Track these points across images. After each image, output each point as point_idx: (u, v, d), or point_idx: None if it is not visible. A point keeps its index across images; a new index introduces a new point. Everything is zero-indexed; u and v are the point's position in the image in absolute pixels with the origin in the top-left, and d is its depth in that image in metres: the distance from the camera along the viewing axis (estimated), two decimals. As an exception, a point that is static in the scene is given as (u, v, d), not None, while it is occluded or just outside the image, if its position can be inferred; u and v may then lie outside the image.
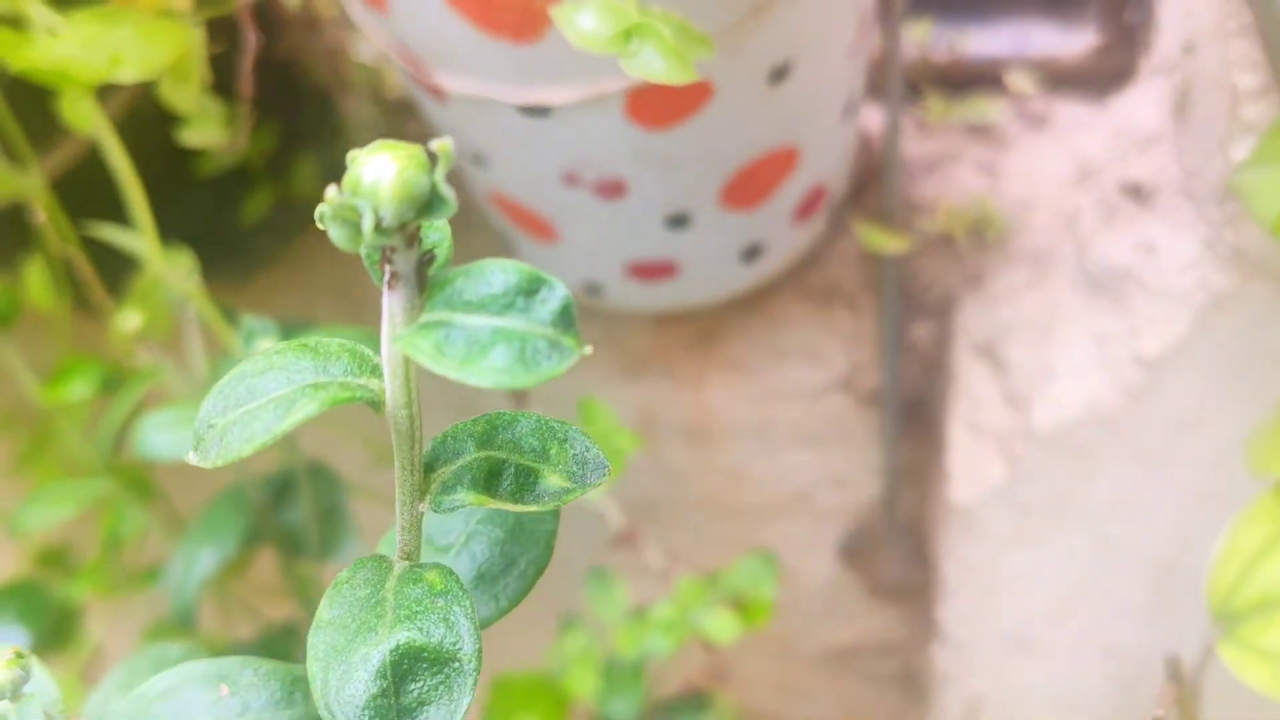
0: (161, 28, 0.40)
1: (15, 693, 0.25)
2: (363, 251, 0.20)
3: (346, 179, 0.19)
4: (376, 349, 0.22)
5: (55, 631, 0.56)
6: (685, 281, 0.58)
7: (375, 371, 0.22)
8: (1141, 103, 0.60)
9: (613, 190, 0.50)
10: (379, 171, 0.19)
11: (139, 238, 0.46)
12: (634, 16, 0.33)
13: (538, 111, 0.46)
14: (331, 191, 0.19)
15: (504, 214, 0.56)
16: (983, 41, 0.66)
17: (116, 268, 0.52)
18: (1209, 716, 0.43)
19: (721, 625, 0.57)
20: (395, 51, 0.47)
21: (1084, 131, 0.62)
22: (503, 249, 0.63)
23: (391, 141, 0.20)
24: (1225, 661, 0.42)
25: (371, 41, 0.49)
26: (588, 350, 0.20)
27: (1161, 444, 0.54)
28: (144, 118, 0.52)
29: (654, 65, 0.33)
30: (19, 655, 0.25)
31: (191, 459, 0.22)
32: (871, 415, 0.68)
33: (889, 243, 0.58)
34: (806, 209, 0.57)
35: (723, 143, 0.49)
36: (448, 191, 0.19)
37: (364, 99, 0.65)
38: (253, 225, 0.63)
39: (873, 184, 0.62)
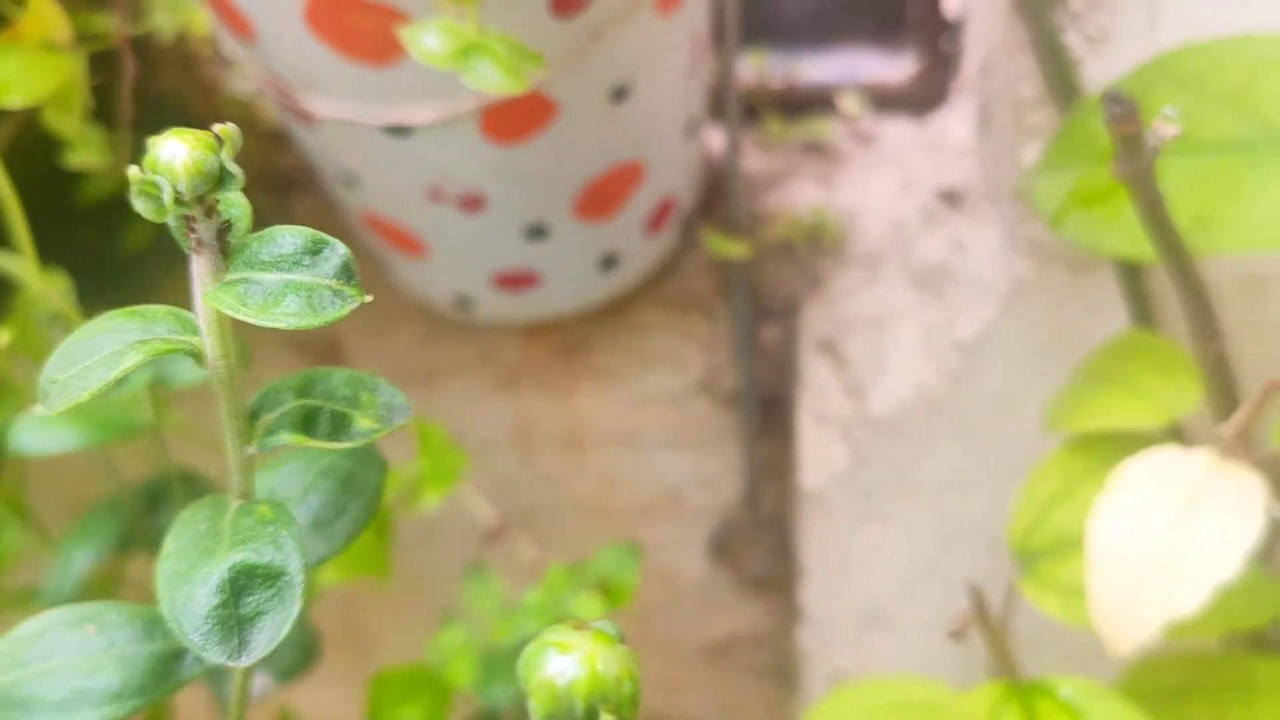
0: (46, 58, 0.43)
1: None
2: (170, 223, 0.24)
3: (146, 159, 0.23)
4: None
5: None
6: (548, 291, 0.63)
7: (195, 330, 0.26)
8: (953, 120, 0.66)
9: (474, 204, 0.55)
10: (173, 152, 0.23)
11: (18, 261, 0.49)
12: (472, 36, 0.37)
13: (400, 131, 0.50)
14: (134, 170, 0.23)
15: (376, 233, 0.60)
16: (815, 69, 0.72)
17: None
18: (1019, 649, 0.48)
19: (588, 606, 0.61)
20: (265, 80, 0.51)
21: (906, 147, 0.68)
22: (376, 269, 0.67)
23: (182, 129, 0.24)
24: (1025, 595, 0.47)
25: (244, 72, 0.52)
26: (368, 298, 0.24)
27: (982, 421, 0.60)
28: (28, 150, 0.55)
29: (490, 78, 0.38)
30: None
31: (39, 410, 0.25)
32: (732, 415, 0.73)
33: (733, 249, 0.63)
34: (657, 221, 0.62)
35: (572, 157, 0.54)
36: (234, 168, 0.23)
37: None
38: (133, 253, 0.66)
39: (719, 198, 0.68)
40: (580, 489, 0.78)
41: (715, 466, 0.76)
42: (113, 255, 0.65)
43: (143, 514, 0.53)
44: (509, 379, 0.73)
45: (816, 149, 0.70)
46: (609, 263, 0.62)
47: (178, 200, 0.23)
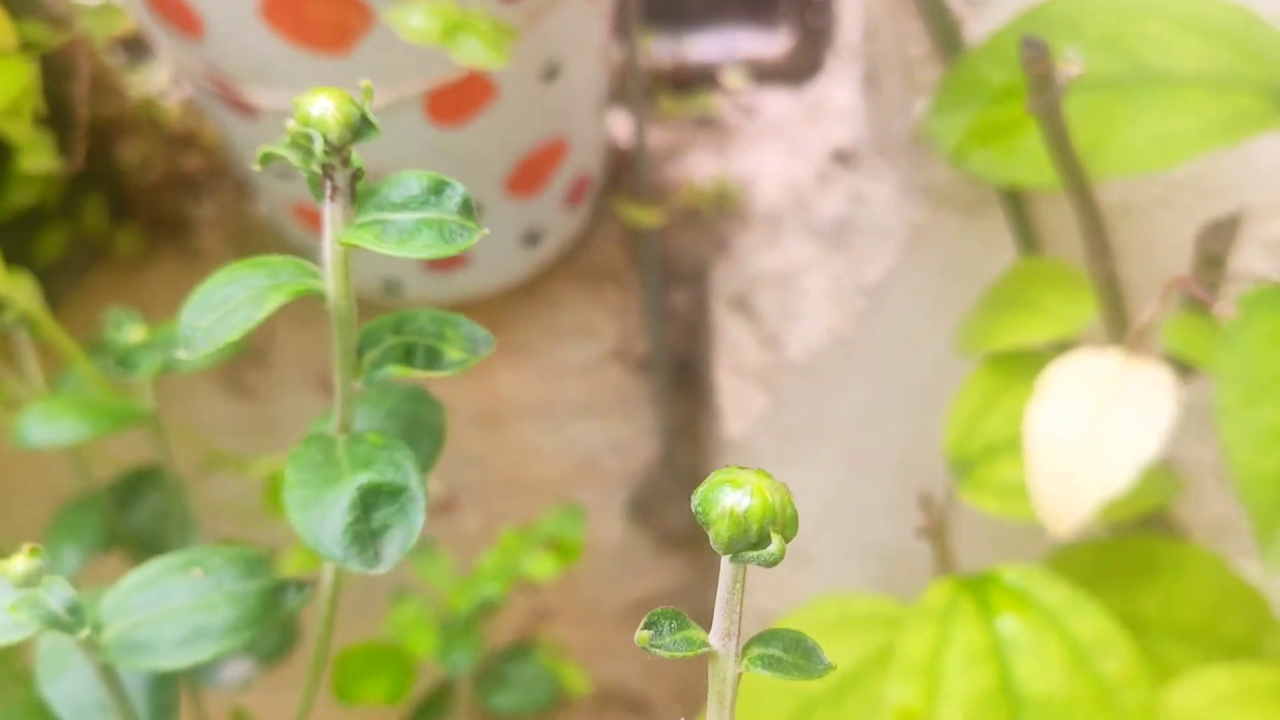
0: (5, 64, 0.44)
1: (35, 581, 0.29)
2: (308, 174, 0.27)
3: (298, 113, 0.26)
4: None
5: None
6: (476, 271, 0.65)
7: (315, 275, 0.28)
8: (833, 86, 0.72)
9: (413, 187, 0.57)
10: (324, 107, 0.26)
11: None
12: (457, 14, 0.40)
13: (347, 118, 0.52)
14: (291, 124, 0.25)
15: (307, 225, 0.62)
16: (698, 48, 0.77)
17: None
18: (957, 545, 0.53)
19: (542, 565, 0.64)
20: (204, 75, 0.53)
21: (788, 115, 0.73)
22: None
23: (323, 87, 0.26)
24: (965, 498, 0.53)
25: (174, 68, 0.54)
26: (485, 231, 0.27)
27: (890, 358, 0.66)
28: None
29: (476, 52, 0.40)
30: (35, 550, 0.29)
31: (181, 354, 0.27)
32: (645, 380, 0.77)
33: (646, 217, 0.67)
34: (575, 195, 0.65)
35: (507, 136, 0.57)
36: (373, 118, 0.26)
37: (144, 136, 0.69)
38: (47, 264, 0.65)
39: (624, 173, 0.72)
40: (500, 465, 0.81)
41: (630, 431, 0.80)
42: (28, 267, 0.65)
43: (116, 511, 0.54)
44: (428, 363, 0.75)
45: (707, 123, 0.74)
46: (533, 239, 0.65)
47: (326, 150, 0.25)
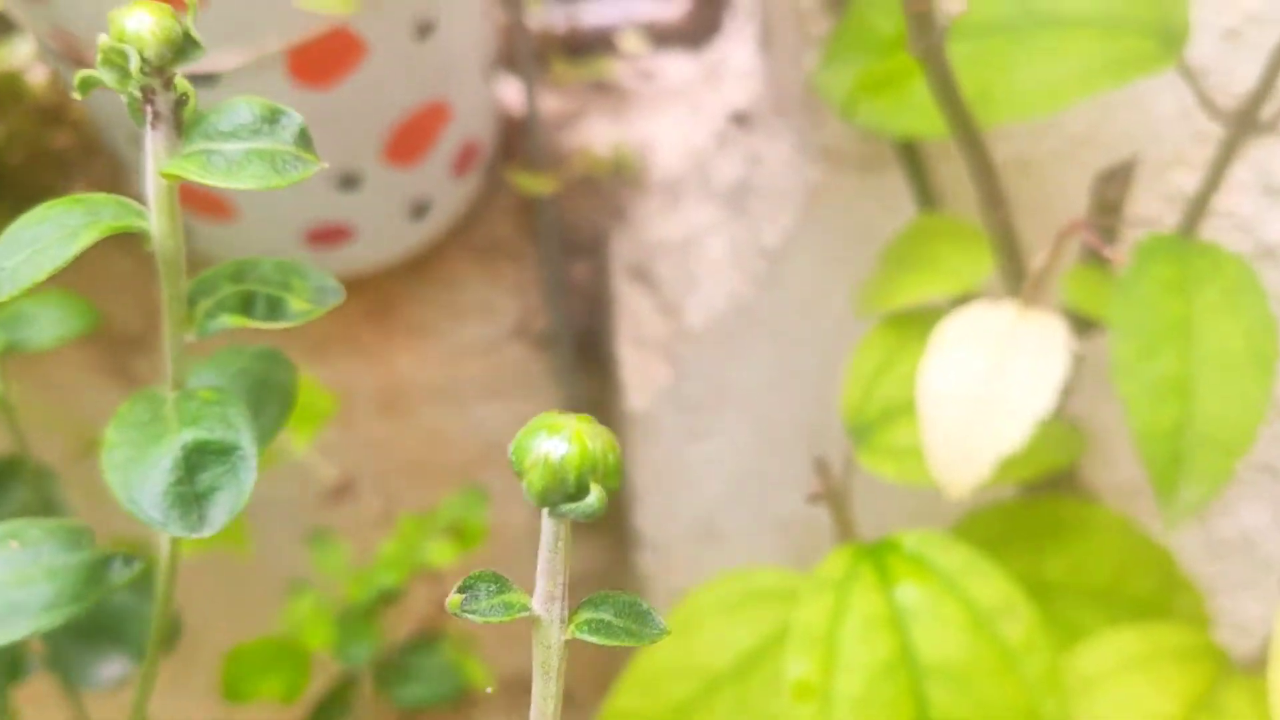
0: None
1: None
2: (126, 97, 0.24)
3: (112, 29, 0.23)
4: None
5: None
6: (361, 245, 0.63)
7: (140, 215, 0.26)
8: (731, 47, 0.70)
9: (283, 154, 0.54)
10: (140, 21, 0.23)
11: None
12: (297, -45, 0.38)
13: (206, 80, 0.49)
14: (102, 38, 0.23)
15: (180, 199, 0.58)
16: (594, 12, 0.74)
17: None
18: (858, 513, 0.52)
19: (443, 551, 0.61)
20: (55, 39, 0.49)
21: (687, 79, 0.71)
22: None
23: (143, 1, 0.24)
24: (862, 464, 0.51)
25: (29, 34, 0.50)
26: (324, 165, 0.25)
27: (792, 322, 0.64)
28: None
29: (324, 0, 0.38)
30: None
31: None
32: (547, 357, 0.75)
33: (540, 185, 0.64)
34: (462, 164, 0.63)
35: (380, 99, 0.54)
36: (197, 36, 0.24)
37: (7, 113, 0.65)
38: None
39: (516, 142, 0.69)
40: (404, 450, 0.78)
41: (534, 410, 0.77)
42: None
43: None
44: (321, 345, 0.73)
45: (603, 88, 0.72)
46: (419, 210, 0.62)
47: (144, 69, 0.23)
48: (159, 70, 0.24)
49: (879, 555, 0.48)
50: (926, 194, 0.57)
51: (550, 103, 0.71)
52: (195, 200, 0.58)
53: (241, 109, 0.25)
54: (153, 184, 0.25)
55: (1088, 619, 0.54)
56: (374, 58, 0.51)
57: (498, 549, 0.83)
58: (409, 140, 0.57)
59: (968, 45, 0.47)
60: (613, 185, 0.69)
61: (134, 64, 0.23)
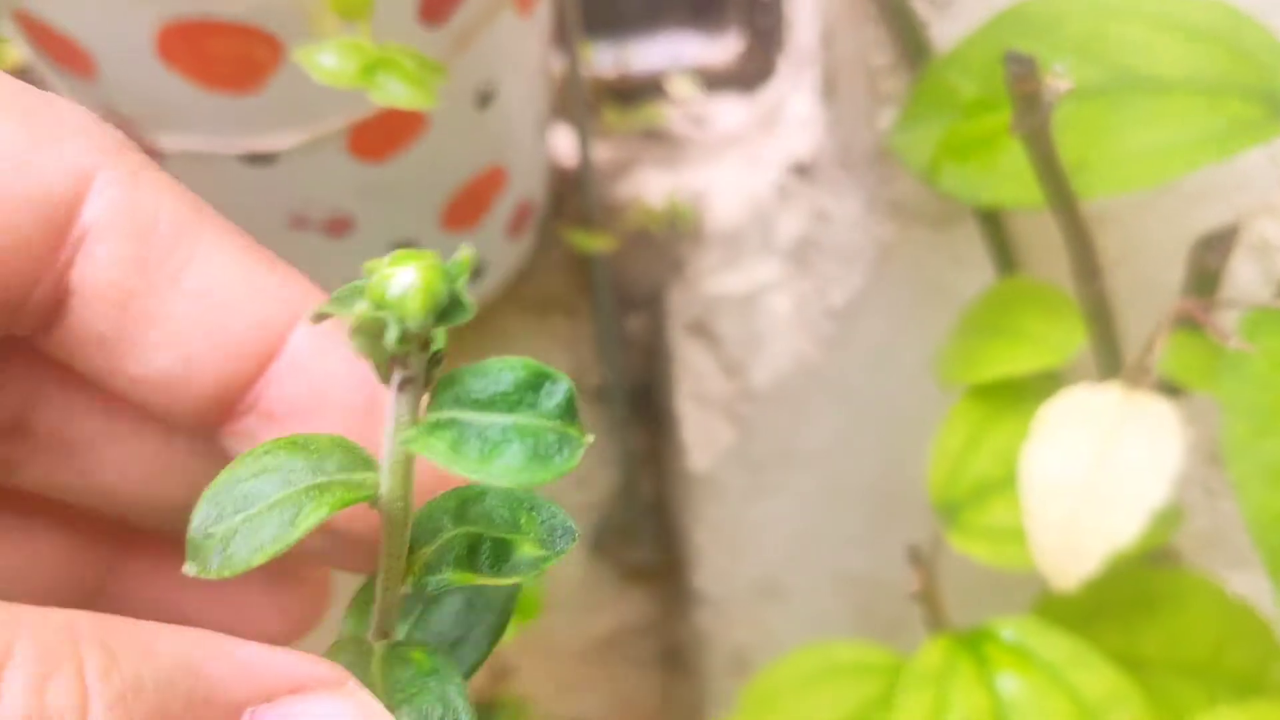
0: None
1: None
2: (372, 360, 0.21)
3: (371, 291, 0.19)
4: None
5: None
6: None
7: (368, 465, 0.22)
8: (787, 93, 0.68)
9: (340, 227, 0.52)
10: (406, 284, 0.19)
11: None
12: (374, 52, 0.36)
13: (262, 159, 0.47)
14: (360, 307, 0.19)
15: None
16: (642, 56, 0.72)
17: None
18: (946, 594, 0.50)
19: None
20: (101, 117, 0.47)
21: (742, 124, 0.69)
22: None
23: (411, 250, 0.20)
24: (953, 545, 0.49)
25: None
26: (590, 439, 0.21)
27: (860, 383, 0.62)
28: None
29: (399, 93, 0.36)
30: None
31: (189, 570, 0.20)
32: (601, 410, 0.73)
33: (597, 242, 0.62)
34: (517, 225, 0.61)
35: (439, 168, 0.52)
36: (467, 297, 0.20)
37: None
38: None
39: (569, 196, 0.67)
40: (453, 506, 0.76)
41: (587, 464, 0.76)
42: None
43: None
44: (369, 404, 0.71)
45: (655, 135, 0.70)
46: (475, 274, 0.60)
47: (401, 339, 0.19)
48: (416, 336, 0.20)
49: (976, 645, 0.46)
50: (1005, 254, 0.54)
51: (601, 152, 0.69)
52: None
53: (504, 374, 0.21)
54: (391, 449, 0.21)
55: (1187, 695, 0.51)
56: (436, 129, 0.49)
57: (554, 599, 0.81)
58: (466, 207, 0.55)
59: (1061, 109, 0.44)
60: (668, 237, 0.67)
61: (392, 336, 0.19)
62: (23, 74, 0.60)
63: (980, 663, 0.45)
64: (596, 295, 0.67)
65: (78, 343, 0.23)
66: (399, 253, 0.20)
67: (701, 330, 0.65)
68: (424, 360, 0.20)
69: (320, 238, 0.53)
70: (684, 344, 0.66)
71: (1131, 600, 0.53)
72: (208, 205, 0.24)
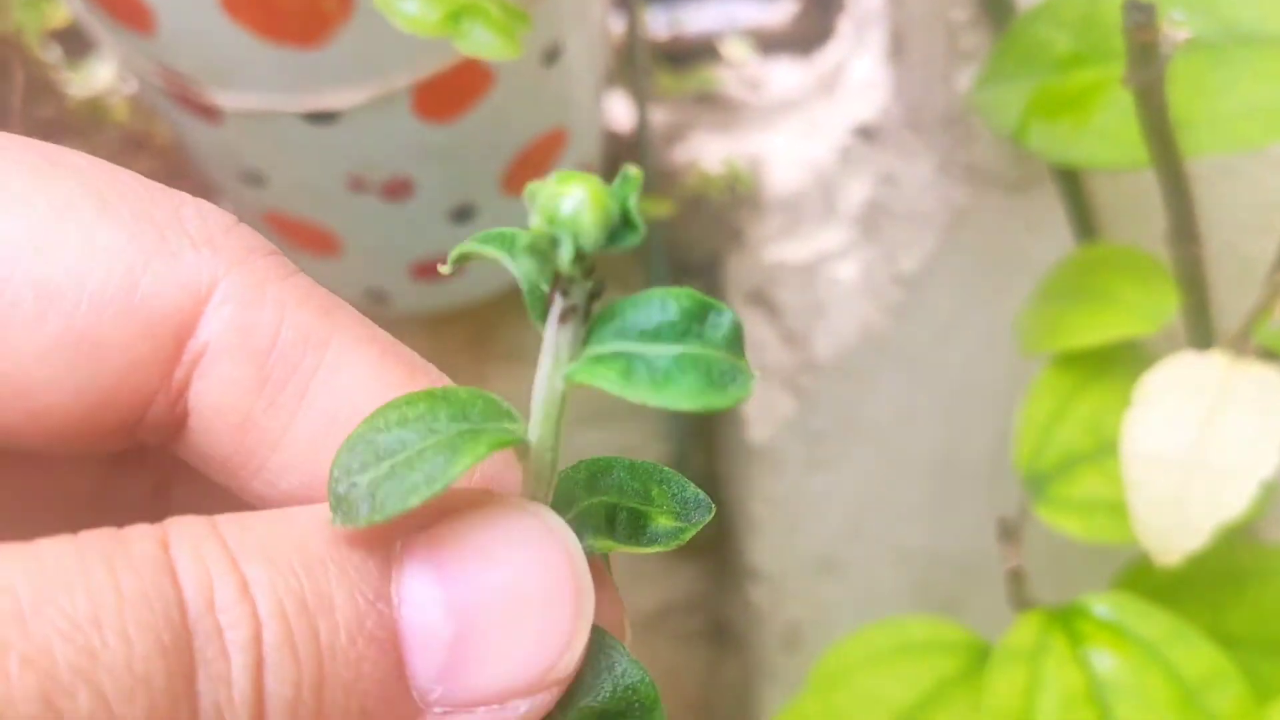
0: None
1: None
2: (529, 288, 0.20)
3: (543, 208, 0.18)
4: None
5: None
6: (466, 277, 0.59)
7: (510, 416, 0.21)
8: (848, 55, 0.66)
9: (400, 190, 0.50)
10: (578, 202, 0.18)
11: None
12: (460, -2, 0.34)
13: (324, 118, 0.45)
14: (534, 222, 0.18)
15: (280, 234, 0.55)
16: (696, 19, 0.70)
17: None
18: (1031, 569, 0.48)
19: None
20: (157, 74, 0.46)
21: (799, 88, 0.67)
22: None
23: (573, 171, 0.19)
24: (1042, 518, 0.47)
25: (124, 68, 0.47)
26: (758, 373, 0.20)
27: (927, 353, 0.60)
28: None
29: (486, 42, 0.34)
30: None
31: (335, 523, 0.19)
32: (652, 382, 0.71)
33: (657, 208, 0.60)
34: (575, 189, 0.59)
35: (504, 129, 0.50)
36: (638, 219, 0.19)
37: (88, 139, 0.62)
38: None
39: (624, 160, 0.65)
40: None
41: (639, 437, 0.74)
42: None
43: None
44: (416, 375, 0.69)
45: (709, 99, 0.68)
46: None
47: (575, 260, 0.18)
48: (584, 259, 0.19)
49: (1069, 622, 0.44)
50: (1085, 219, 0.52)
51: (656, 116, 0.67)
52: (295, 233, 0.54)
53: (667, 304, 0.20)
54: (546, 387, 0.20)
55: (1275, 674, 0.50)
56: (502, 87, 0.48)
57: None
58: (527, 169, 0.53)
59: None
60: (726, 204, 0.65)
61: (566, 255, 0.18)
62: (70, 29, 0.58)
63: (1073, 640, 0.43)
64: (652, 263, 0.65)
65: (201, 459, 0.21)
66: (562, 173, 0.19)
67: (761, 299, 0.64)
68: (586, 290, 0.19)
69: (377, 201, 0.51)
70: (743, 314, 0.64)
71: (1216, 576, 0.52)
72: (343, 307, 0.22)
